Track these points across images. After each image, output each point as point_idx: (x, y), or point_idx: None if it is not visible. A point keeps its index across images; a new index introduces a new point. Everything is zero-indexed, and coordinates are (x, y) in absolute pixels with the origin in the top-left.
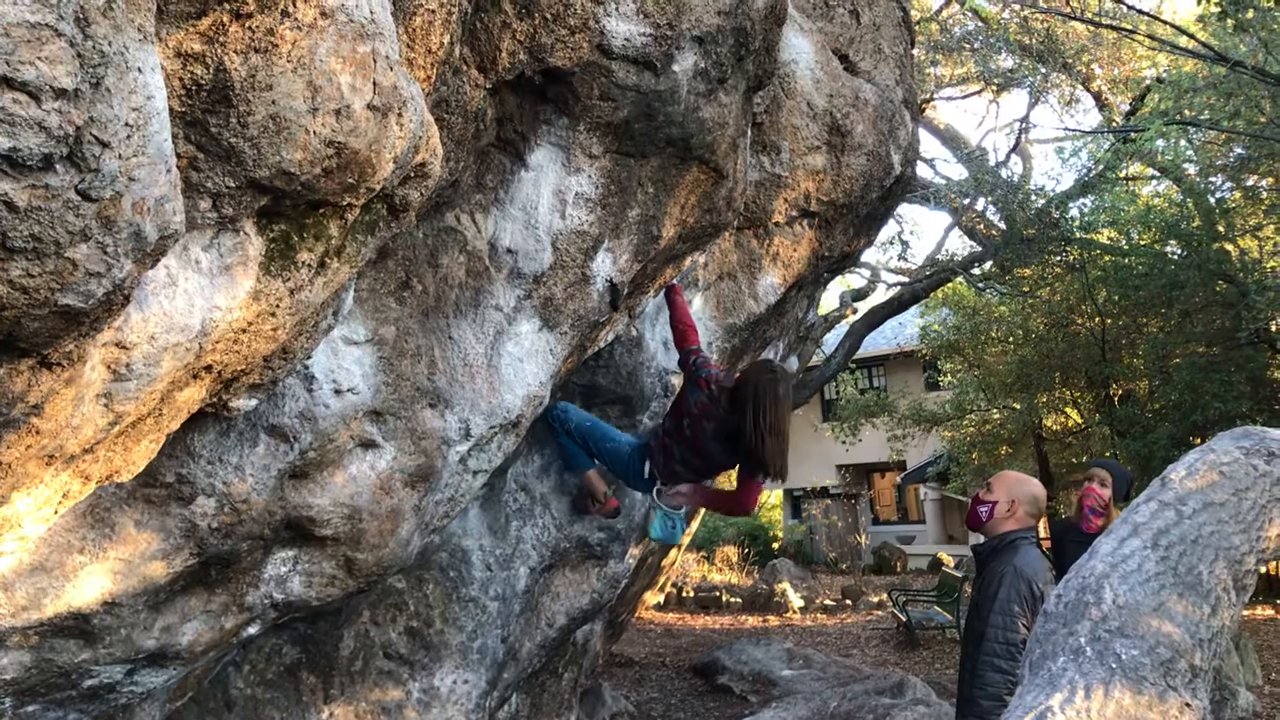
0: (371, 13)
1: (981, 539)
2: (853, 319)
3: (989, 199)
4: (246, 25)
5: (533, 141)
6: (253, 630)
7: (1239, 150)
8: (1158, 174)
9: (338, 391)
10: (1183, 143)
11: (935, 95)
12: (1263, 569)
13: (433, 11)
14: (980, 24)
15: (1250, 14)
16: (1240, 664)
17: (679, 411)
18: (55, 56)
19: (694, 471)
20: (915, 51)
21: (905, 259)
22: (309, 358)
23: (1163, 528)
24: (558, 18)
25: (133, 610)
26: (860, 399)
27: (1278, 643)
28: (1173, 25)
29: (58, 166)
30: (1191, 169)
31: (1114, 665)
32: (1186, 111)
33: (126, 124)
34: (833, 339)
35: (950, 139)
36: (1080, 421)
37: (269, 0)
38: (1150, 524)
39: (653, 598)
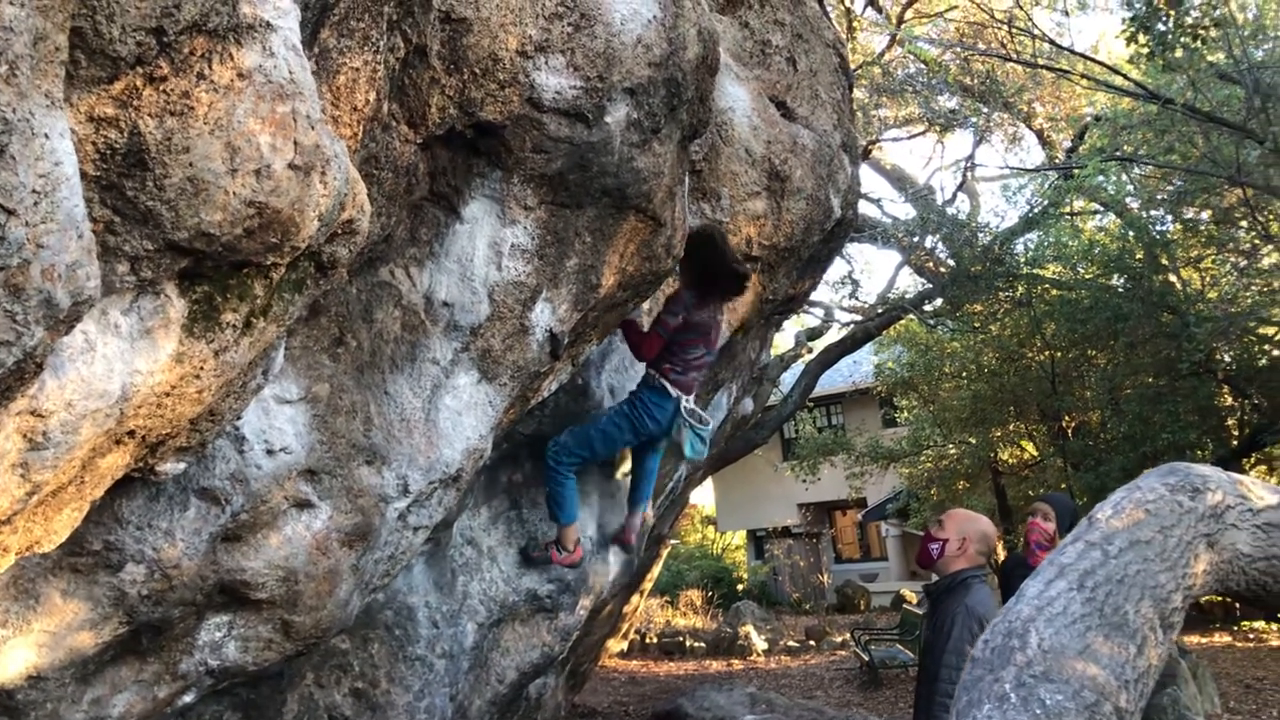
0: (290, 73)
1: (934, 577)
2: (808, 358)
3: (936, 237)
4: (161, 89)
5: (467, 194)
6: (188, 698)
7: (1176, 184)
8: (1101, 208)
9: (270, 452)
10: (1124, 177)
11: (881, 137)
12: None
13: (356, 70)
14: (922, 66)
15: (1179, 53)
16: (1198, 693)
17: (688, 329)
18: None
19: (703, 361)
20: (860, 94)
21: (856, 298)
22: (239, 418)
23: (1089, 568)
24: (487, 73)
25: (59, 684)
26: (819, 437)
27: (1236, 670)
28: (1106, 65)
29: None
30: (1134, 203)
31: (1039, 711)
32: (1126, 148)
33: (33, 190)
34: (790, 378)
35: (898, 179)
36: (1036, 455)
37: (183, 63)
38: (1076, 565)
39: (616, 645)
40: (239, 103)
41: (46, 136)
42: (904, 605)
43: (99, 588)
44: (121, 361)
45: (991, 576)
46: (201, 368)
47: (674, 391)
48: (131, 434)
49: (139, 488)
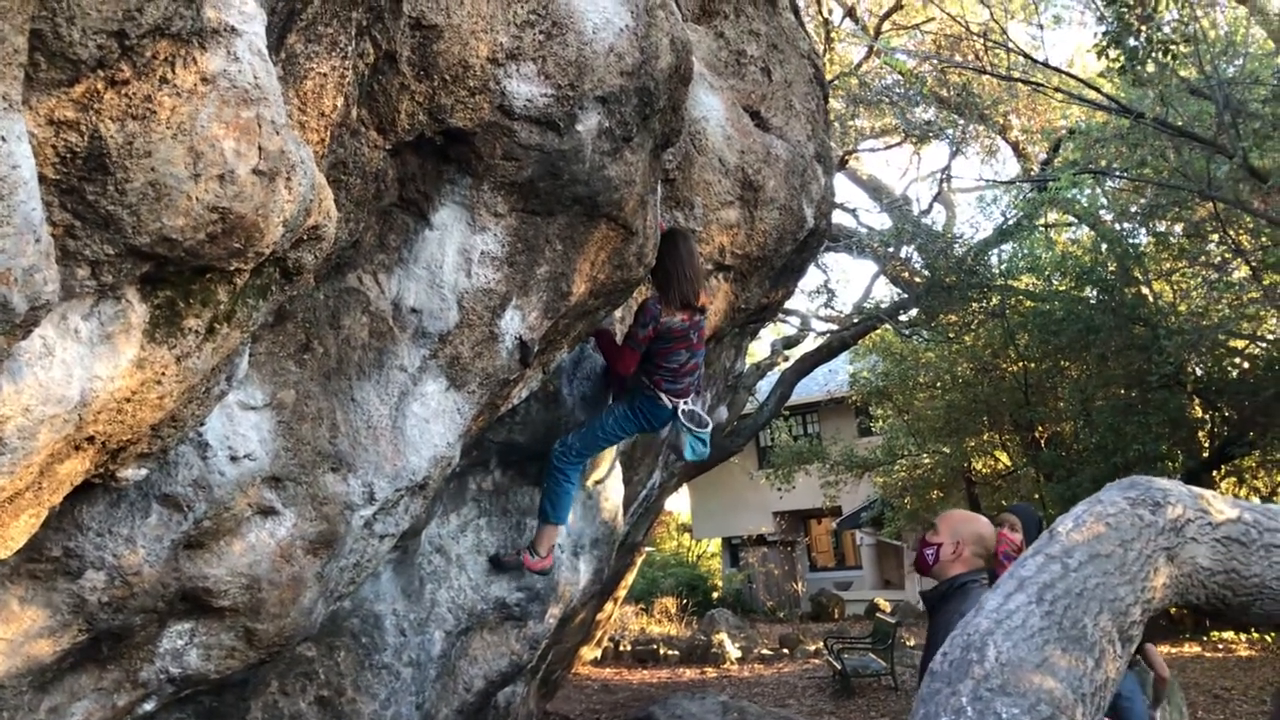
0: (255, 78)
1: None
2: (784, 366)
3: (912, 247)
4: (122, 92)
5: (436, 201)
6: (149, 706)
7: (1148, 197)
8: (1075, 221)
9: (234, 458)
10: (1097, 190)
11: (857, 147)
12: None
13: (324, 75)
14: (899, 77)
15: (1150, 68)
16: (1166, 703)
17: (662, 339)
18: None
19: (692, 365)
20: (837, 104)
21: (832, 307)
22: (202, 425)
23: (1048, 581)
24: (457, 79)
25: (16, 692)
26: (794, 446)
27: (1205, 680)
28: (1079, 79)
29: None
30: (1106, 216)
31: None
32: (1099, 161)
33: None
34: (766, 386)
35: (874, 189)
36: (1009, 465)
37: (146, 67)
38: (1036, 578)
39: (590, 652)
40: (202, 107)
41: (3, 140)
42: (877, 614)
43: (58, 595)
44: (81, 366)
45: None
46: (163, 373)
47: (669, 402)
48: (91, 440)
49: (100, 494)
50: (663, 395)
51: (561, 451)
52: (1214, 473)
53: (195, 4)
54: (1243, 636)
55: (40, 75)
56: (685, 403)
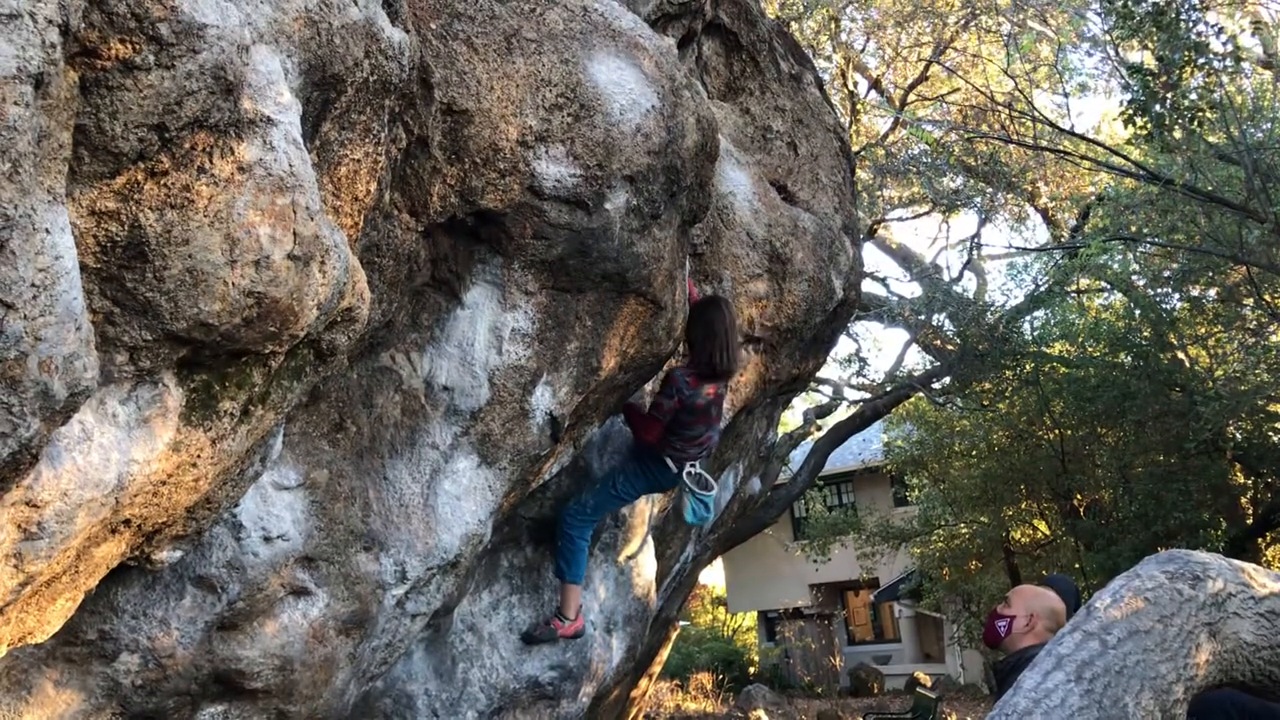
0: (291, 165)
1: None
2: (817, 436)
3: (943, 315)
4: (162, 183)
5: (468, 280)
6: None
7: (1181, 262)
8: (1107, 287)
9: (267, 539)
10: (1128, 256)
11: (886, 216)
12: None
13: (358, 161)
14: (925, 147)
15: (1177, 134)
16: None
17: (685, 411)
18: None
19: (706, 439)
20: (864, 175)
21: (864, 375)
22: (236, 506)
23: (1087, 659)
24: (487, 162)
25: None
26: (829, 517)
27: None
28: (1106, 147)
29: None
30: (1139, 281)
31: None
32: (1131, 227)
33: (33, 285)
34: (799, 456)
35: (904, 258)
36: (1048, 534)
37: (184, 158)
38: (1074, 655)
39: None
40: (239, 195)
41: (47, 231)
42: (917, 688)
43: (92, 678)
44: (118, 451)
45: None
46: (199, 456)
47: (674, 467)
48: (127, 523)
49: (134, 576)
50: (669, 460)
51: (575, 509)
52: (1259, 540)
53: (233, 96)
54: None
55: (83, 168)
56: (691, 466)
